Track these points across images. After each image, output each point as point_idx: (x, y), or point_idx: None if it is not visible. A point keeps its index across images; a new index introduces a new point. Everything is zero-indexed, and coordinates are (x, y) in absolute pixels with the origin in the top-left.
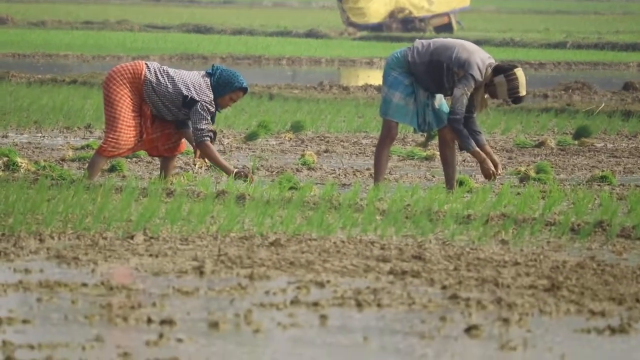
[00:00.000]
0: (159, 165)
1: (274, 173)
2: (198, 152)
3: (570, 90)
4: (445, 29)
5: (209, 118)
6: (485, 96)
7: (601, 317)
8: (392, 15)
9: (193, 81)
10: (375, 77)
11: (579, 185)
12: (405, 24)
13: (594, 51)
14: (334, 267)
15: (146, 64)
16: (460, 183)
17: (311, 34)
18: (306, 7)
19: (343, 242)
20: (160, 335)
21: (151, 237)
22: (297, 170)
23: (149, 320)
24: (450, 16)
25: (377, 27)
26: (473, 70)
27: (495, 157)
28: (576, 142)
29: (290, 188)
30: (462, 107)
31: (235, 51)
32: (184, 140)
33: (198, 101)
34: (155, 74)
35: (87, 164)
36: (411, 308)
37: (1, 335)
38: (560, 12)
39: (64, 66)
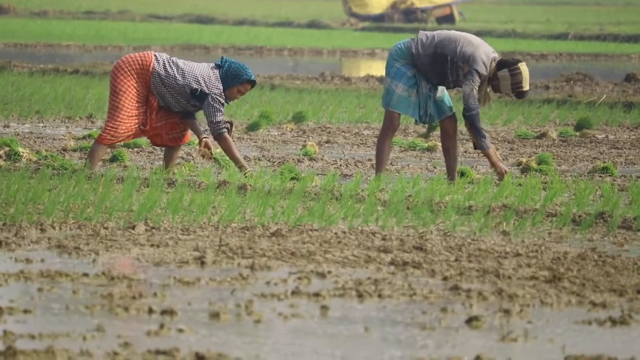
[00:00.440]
0: (162, 155)
1: (275, 163)
2: (202, 144)
3: (572, 82)
4: (447, 20)
5: (222, 110)
6: (489, 90)
7: (602, 308)
8: (394, 6)
9: (203, 74)
10: (377, 68)
11: (581, 176)
12: (407, 14)
13: (595, 42)
14: (335, 257)
15: (155, 55)
16: (462, 174)
17: (313, 25)
18: None
19: (344, 232)
20: (161, 326)
21: (152, 227)
22: (299, 160)
23: (150, 311)
24: (452, 7)
25: (379, 18)
26: (478, 65)
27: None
28: (577, 133)
29: (292, 178)
30: (476, 102)
31: (237, 41)
32: (188, 131)
33: (208, 94)
34: (164, 66)
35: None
36: (412, 299)
37: (2, 325)
38: (562, 3)
39: (66, 56)
